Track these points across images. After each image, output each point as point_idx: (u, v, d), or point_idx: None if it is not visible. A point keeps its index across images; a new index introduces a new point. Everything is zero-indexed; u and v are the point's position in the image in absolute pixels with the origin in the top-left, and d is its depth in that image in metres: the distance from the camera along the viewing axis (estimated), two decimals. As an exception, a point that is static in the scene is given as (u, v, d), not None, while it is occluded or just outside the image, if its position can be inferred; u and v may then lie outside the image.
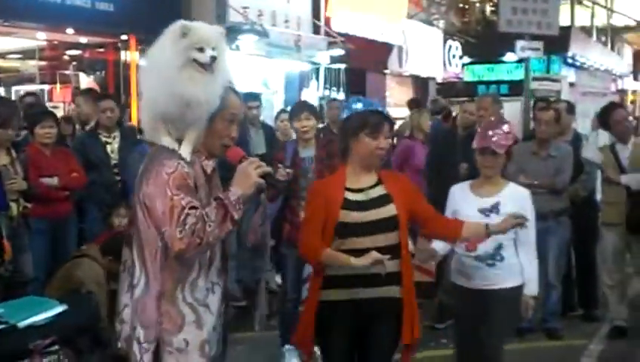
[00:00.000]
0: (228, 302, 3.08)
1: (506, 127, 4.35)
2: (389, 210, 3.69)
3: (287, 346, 5.75)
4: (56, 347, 4.80)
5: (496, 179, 4.40)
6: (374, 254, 3.46)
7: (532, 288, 4.36)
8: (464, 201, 4.39)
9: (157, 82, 2.83)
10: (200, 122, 2.84)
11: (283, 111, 9.25)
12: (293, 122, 5.78)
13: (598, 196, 6.88)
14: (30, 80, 12.77)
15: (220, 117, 2.87)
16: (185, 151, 2.85)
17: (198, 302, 2.86)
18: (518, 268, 4.35)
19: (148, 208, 2.78)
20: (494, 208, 4.28)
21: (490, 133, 4.29)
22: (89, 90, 8.48)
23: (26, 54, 12.76)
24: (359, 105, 3.78)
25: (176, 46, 2.78)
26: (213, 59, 2.78)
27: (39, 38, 11.42)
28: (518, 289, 4.34)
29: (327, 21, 14.87)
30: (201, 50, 2.76)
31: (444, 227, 3.94)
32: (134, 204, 2.90)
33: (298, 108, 5.88)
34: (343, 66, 15.81)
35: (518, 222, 3.86)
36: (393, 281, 3.68)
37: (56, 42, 11.97)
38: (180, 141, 2.87)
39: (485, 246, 4.27)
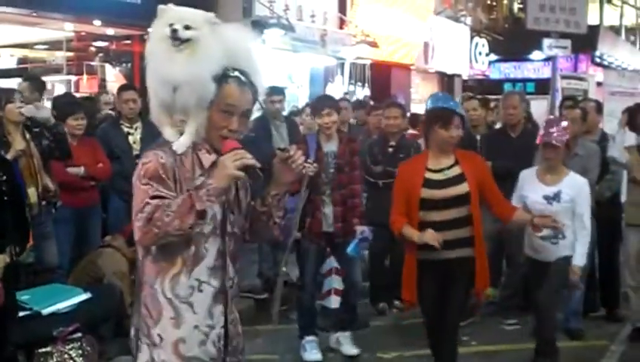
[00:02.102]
0: (229, 304, 2.89)
1: (564, 123, 5.18)
2: (463, 188, 4.44)
3: (306, 338, 5.77)
4: (79, 334, 4.86)
5: (559, 167, 5.17)
6: (429, 235, 4.31)
7: (578, 260, 5.21)
8: (531, 188, 5.19)
9: (149, 70, 2.80)
10: (194, 110, 2.75)
11: (308, 105, 9.25)
12: (315, 118, 5.78)
13: (624, 197, 6.81)
14: (57, 71, 12.88)
15: (215, 107, 2.75)
16: (181, 143, 2.77)
17: (179, 298, 2.76)
18: (573, 242, 5.20)
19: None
20: (556, 196, 5.08)
21: (551, 129, 5.03)
22: (35, 78, 8.31)
23: (54, 45, 12.87)
24: (429, 102, 4.64)
25: (155, 29, 2.76)
26: (175, 33, 2.68)
27: (67, 29, 11.51)
28: (569, 257, 5.21)
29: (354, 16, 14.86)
30: (171, 25, 2.70)
31: (502, 209, 4.68)
32: None
33: (319, 104, 5.86)
34: (368, 62, 15.79)
35: (553, 226, 4.71)
36: (467, 245, 4.51)
37: (83, 33, 12.07)
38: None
39: (548, 231, 4.97)
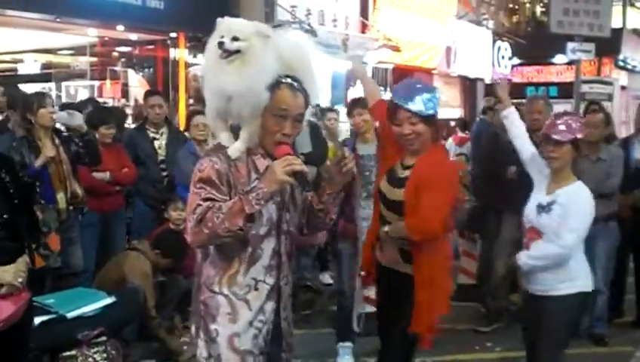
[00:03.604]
0: (284, 301, 3.04)
1: (574, 118, 4.26)
2: (399, 194, 3.75)
3: (341, 343, 5.75)
4: (104, 338, 4.88)
5: (564, 174, 4.20)
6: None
7: (523, 259, 4.22)
8: (535, 192, 4.31)
9: (205, 80, 2.92)
10: (248, 118, 2.86)
11: (329, 109, 9.25)
12: (349, 119, 5.81)
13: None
14: (81, 76, 12.99)
15: (268, 112, 2.85)
16: (235, 148, 2.88)
17: (237, 296, 2.90)
18: (581, 273, 4.18)
19: None
20: (547, 207, 4.15)
21: (557, 121, 4.17)
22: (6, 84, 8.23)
23: (77, 50, 12.99)
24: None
25: (210, 40, 2.86)
26: (222, 45, 2.77)
27: (90, 35, 11.61)
28: (575, 297, 4.14)
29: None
30: (221, 37, 2.80)
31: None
32: None
33: (350, 105, 5.88)
34: (390, 66, 15.77)
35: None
36: (405, 260, 3.77)
37: (106, 39, 12.17)
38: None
39: (538, 248, 4.16)
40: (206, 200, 2.76)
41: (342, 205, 5.50)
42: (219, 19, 2.88)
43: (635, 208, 6.46)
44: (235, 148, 2.88)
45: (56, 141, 5.70)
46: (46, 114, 5.59)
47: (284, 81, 2.86)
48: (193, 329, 3.02)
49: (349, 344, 5.73)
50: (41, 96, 5.77)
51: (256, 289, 2.91)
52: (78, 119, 5.91)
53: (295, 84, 2.88)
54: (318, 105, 9.55)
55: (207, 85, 2.90)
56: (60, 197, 5.61)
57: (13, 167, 3.90)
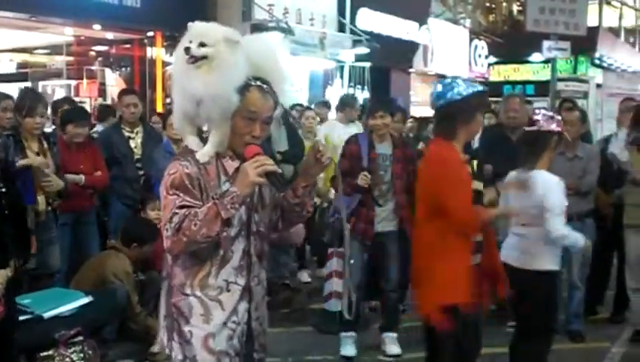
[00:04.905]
0: (255, 301, 3.01)
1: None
2: (479, 185, 4.00)
3: (344, 333, 5.78)
4: (81, 338, 4.86)
5: None
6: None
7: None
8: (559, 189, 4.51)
9: (173, 83, 2.93)
10: (218, 122, 2.86)
11: (307, 108, 9.25)
12: (368, 119, 5.84)
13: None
14: (57, 75, 12.91)
15: (238, 115, 2.85)
16: (205, 152, 2.87)
17: (209, 297, 2.89)
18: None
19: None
20: None
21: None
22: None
23: (54, 50, 12.91)
24: (464, 87, 3.83)
25: (179, 45, 2.85)
26: (188, 50, 2.77)
27: (67, 34, 11.54)
28: (552, 273, 4.53)
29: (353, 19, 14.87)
30: (190, 42, 2.79)
31: None
32: None
33: (373, 107, 5.93)
34: (367, 64, 15.80)
35: None
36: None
37: (83, 38, 12.10)
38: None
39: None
40: (181, 207, 2.75)
41: (358, 206, 5.59)
42: (189, 24, 2.87)
43: (616, 206, 6.52)
44: (204, 153, 2.87)
45: (44, 145, 5.67)
46: (32, 124, 5.55)
47: (253, 83, 2.86)
48: (165, 332, 2.98)
49: (352, 334, 5.78)
50: (34, 103, 5.63)
51: (228, 290, 2.90)
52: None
53: (264, 86, 2.88)
54: (298, 105, 9.59)
55: (176, 89, 2.91)
56: (41, 199, 5.57)
57: (9, 179, 3.88)
